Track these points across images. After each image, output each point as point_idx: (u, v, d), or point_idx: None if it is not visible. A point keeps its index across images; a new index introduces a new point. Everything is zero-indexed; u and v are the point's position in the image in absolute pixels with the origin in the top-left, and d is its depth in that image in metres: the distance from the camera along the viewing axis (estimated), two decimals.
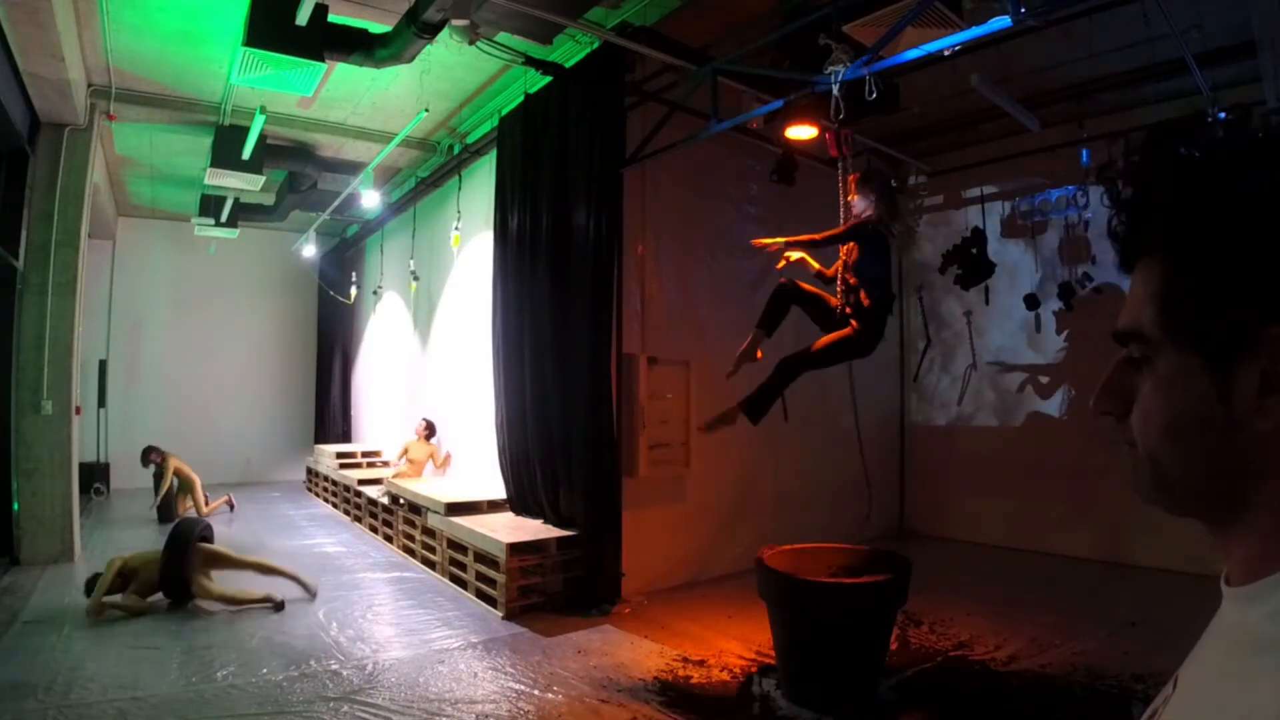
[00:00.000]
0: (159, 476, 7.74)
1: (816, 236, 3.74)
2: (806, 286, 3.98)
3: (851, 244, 3.74)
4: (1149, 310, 0.52)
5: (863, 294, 3.69)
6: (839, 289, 3.82)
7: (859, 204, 3.75)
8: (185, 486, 7.80)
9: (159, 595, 4.67)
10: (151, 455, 7.80)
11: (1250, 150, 0.50)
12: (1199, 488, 0.52)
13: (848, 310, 3.74)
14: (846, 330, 3.71)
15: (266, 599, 4.70)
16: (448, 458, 7.46)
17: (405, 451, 7.63)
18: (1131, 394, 0.55)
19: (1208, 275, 0.49)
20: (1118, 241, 0.57)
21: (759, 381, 3.90)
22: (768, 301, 3.98)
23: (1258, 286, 0.47)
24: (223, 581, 4.80)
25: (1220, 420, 0.48)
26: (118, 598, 4.48)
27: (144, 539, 6.53)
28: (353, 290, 10.15)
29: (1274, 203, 0.47)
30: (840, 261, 3.83)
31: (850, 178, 3.84)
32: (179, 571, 4.63)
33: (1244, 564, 0.50)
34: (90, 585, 4.50)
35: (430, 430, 7.53)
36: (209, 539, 5.04)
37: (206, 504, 7.89)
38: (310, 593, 5.00)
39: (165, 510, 7.62)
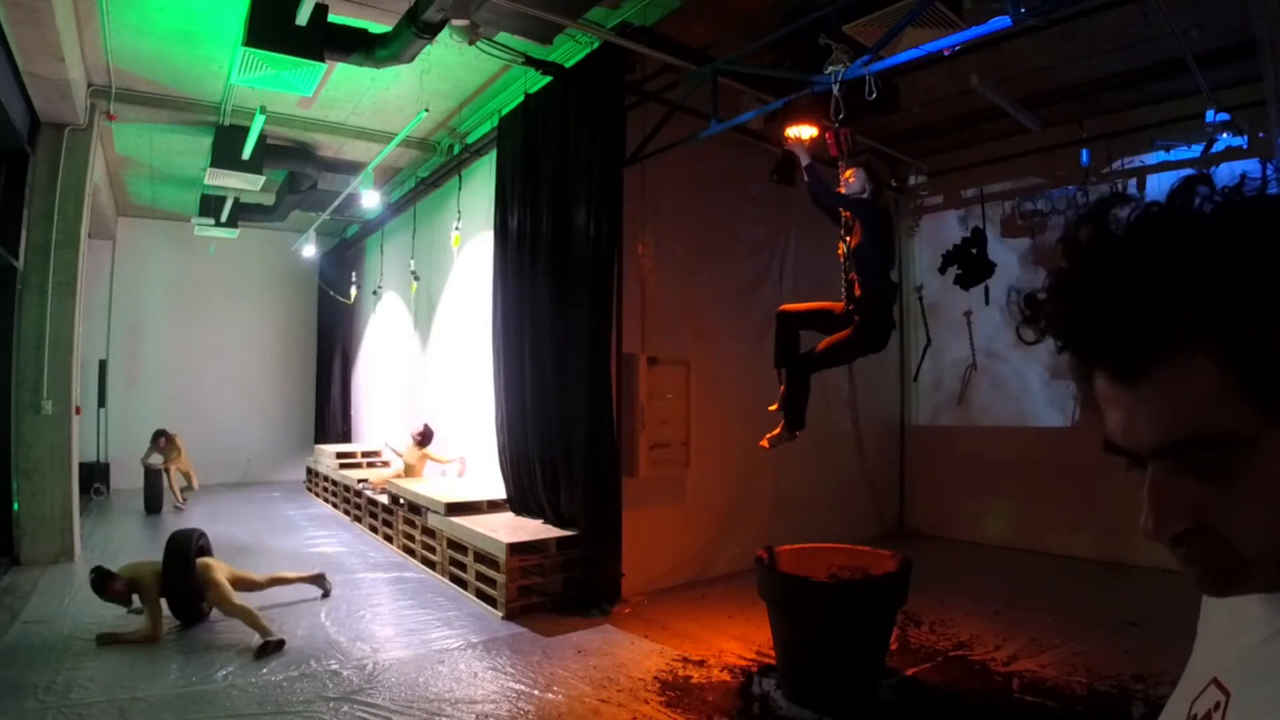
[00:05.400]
0: (163, 457, 8.15)
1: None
2: (802, 306, 3.96)
3: (853, 231, 3.67)
4: (1229, 405, 0.47)
5: (857, 285, 3.63)
6: (843, 286, 3.75)
7: (855, 185, 3.65)
8: (181, 471, 8.17)
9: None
10: (160, 439, 8.20)
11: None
12: None
13: (850, 307, 3.69)
14: (847, 331, 3.68)
15: (269, 636, 4.16)
16: (463, 462, 7.28)
17: (399, 454, 7.59)
18: (1198, 505, 0.50)
19: None
20: (1116, 345, 0.51)
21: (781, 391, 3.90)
22: (775, 338, 3.94)
23: None
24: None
25: None
26: (131, 628, 4.17)
27: (144, 539, 6.54)
28: (353, 290, 10.15)
29: None
30: (841, 252, 3.76)
31: (845, 173, 3.78)
32: (184, 589, 4.27)
33: None
34: (98, 585, 4.16)
35: (425, 438, 7.34)
36: (208, 550, 4.68)
37: (187, 485, 8.15)
38: (325, 590, 4.99)
39: (152, 499, 7.78)
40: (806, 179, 3.76)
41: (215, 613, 4.47)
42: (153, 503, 7.77)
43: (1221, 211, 0.50)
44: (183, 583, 4.27)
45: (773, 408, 3.93)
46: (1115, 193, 0.54)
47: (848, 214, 3.68)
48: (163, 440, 8.24)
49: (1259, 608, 0.53)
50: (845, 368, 4.10)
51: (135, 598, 4.23)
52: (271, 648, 3.98)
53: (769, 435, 3.92)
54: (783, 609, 3.51)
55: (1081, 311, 0.52)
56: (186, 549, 4.36)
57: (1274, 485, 0.48)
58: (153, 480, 8.01)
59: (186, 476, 8.41)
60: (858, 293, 3.62)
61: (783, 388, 3.89)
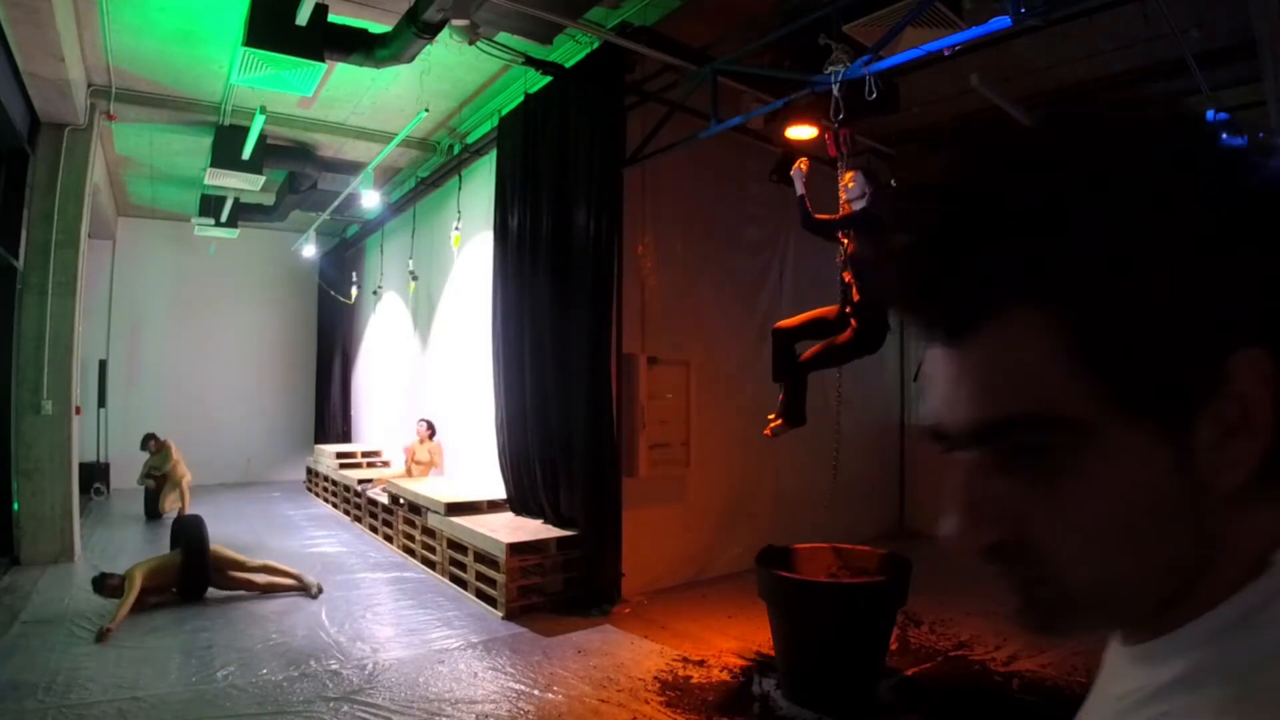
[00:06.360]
0: (156, 464, 7.82)
1: (821, 216, 3.68)
2: (795, 320, 3.96)
3: (851, 236, 3.68)
4: (1064, 382, 0.37)
5: (854, 289, 3.64)
6: (840, 290, 3.77)
7: (854, 189, 3.65)
8: (174, 481, 7.81)
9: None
10: (150, 443, 7.89)
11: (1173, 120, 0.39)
12: (1157, 590, 0.39)
13: (847, 310, 3.69)
14: (845, 334, 3.68)
15: (298, 581, 4.94)
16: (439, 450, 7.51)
17: (412, 455, 7.59)
18: (1017, 513, 0.39)
19: (1166, 306, 0.36)
20: (936, 298, 0.41)
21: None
22: (772, 354, 3.94)
23: (1234, 305, 0.36)
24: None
25: (1186, 495, 0.37)
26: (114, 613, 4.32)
27: (143, 539, 6.54)
28: (353, 290, 10.15)
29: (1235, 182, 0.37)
30: (839, 257, 3.77)
31: (844, 177, 3.78)
32: (202, 573, 4.73)
33: (1144, 629, 0.41)
34: (97, 584, 4.42)
35: (431, 430, 7.53)
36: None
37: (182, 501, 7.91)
38: (312, 594, 4.99)
39: (151, 506, 7.66)
40: (798, 211, 3.75)
41: (218, 605, 4.67)
42: (153, 510, 7.70)
43: (1055, 125, 0.40)
44: (201, 566, 4.71)
45: (771, 416, 3.93)
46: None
47: (844, 237, 3.71)
48: (152, 443, 7.92)
49: (1123, 661, 0.43)
50: (836, 370, 4.10)
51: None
52: (317, 590, 4.92)
53: (771, 425, 3.94)
54: (782, 609, 3.51)
55: (908, 263, 0.42)
56: (201, 533, 4.81)
57: (1111, 495, 0.37)
58: (152, 489, 7.90)
59: (180, 494, 7.83)
60: (855, 297, 3.62)
61: (782, 396, 3.90)
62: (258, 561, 5.13)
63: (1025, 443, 0.38)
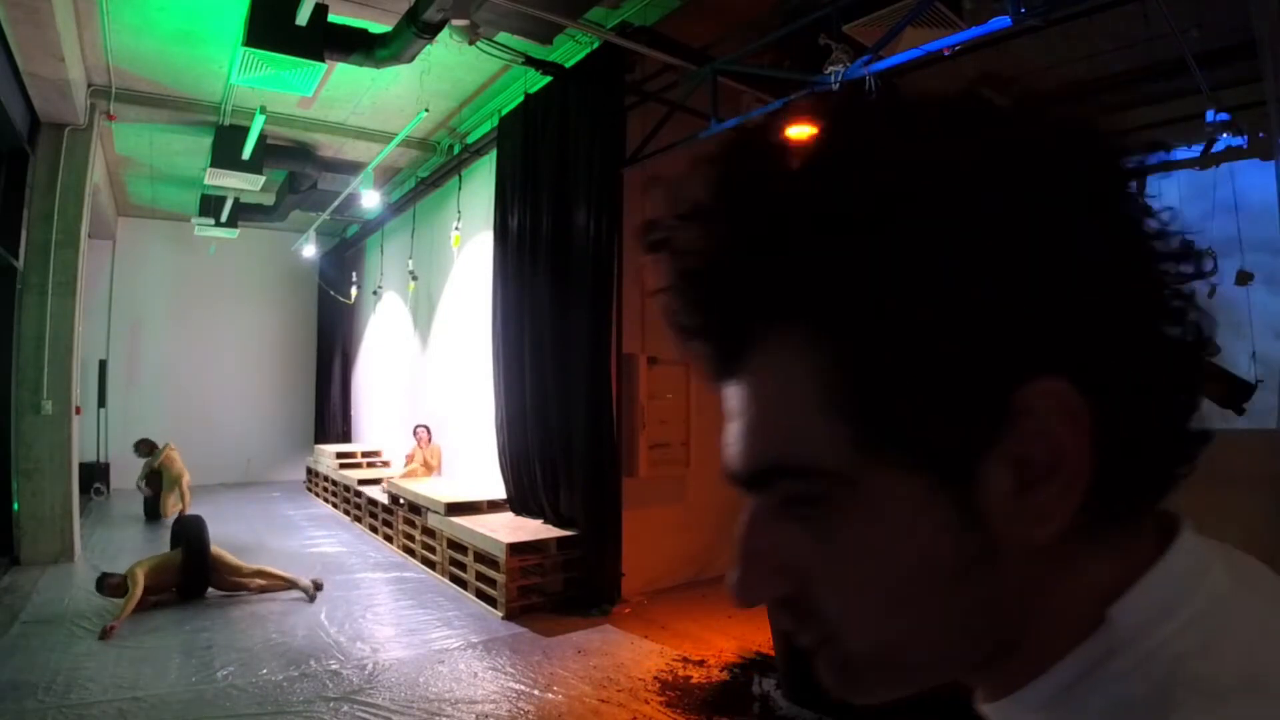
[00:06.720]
0: (150, 467, 7.78)
1: None
2: None
3: None
4: (820, 426, 0.33)
5: None
6: None
7: None
8: (173, 482, 7.77)
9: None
10: (141, 446, 7.86)
11: (951, 118, 0.34)
12: (963, 654, 0.35)
13: None
14: None
15: (294, 583, 4.90)
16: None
17: (413, 459, 7.59)
18: (794, 560, 0.35)
19: (929, 340, 0.31)
20: (698, 330, 0.37)
21: None
22: None
23: (1010, 335, 0.30)
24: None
25: (976, 552, 0.32)
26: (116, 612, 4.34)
27: (143, 539, 6.54)
28: (353, 290, 10.15)
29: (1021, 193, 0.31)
30: None
31: None
32: (202, 574, 4.73)
33: (993, 687, 0.37)
34: (99, 583, 4.45)
35: (430, 433, 7.58)
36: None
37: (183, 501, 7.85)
38: (310, 596, 4.97)
39: (152, 507, 7.65)
40: None
41: (218, 605, 4.66)
42: (153, 511, 7.69)
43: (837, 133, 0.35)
44: (201, 567, 4.73)
45: None
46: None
47: None
48: (143, 447, 7.84)
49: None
50: None
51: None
52: (316, 587, 4.91)
53: None
54: None
55: (683, 275, 0.37)
56: (202, 534, 4.81)
57: (884, 553, 0.33)
58: (152, 489, 7.87)
59: (180, 495, 7.78)
60: None
61: None
62: (253, 567, 5.09)
63: (794, 492, 0.35)
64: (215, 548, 4.92)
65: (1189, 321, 0.34)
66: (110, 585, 4.39)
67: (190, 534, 4.84)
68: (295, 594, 4.95)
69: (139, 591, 4.35)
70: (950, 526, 0.32)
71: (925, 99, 0.36)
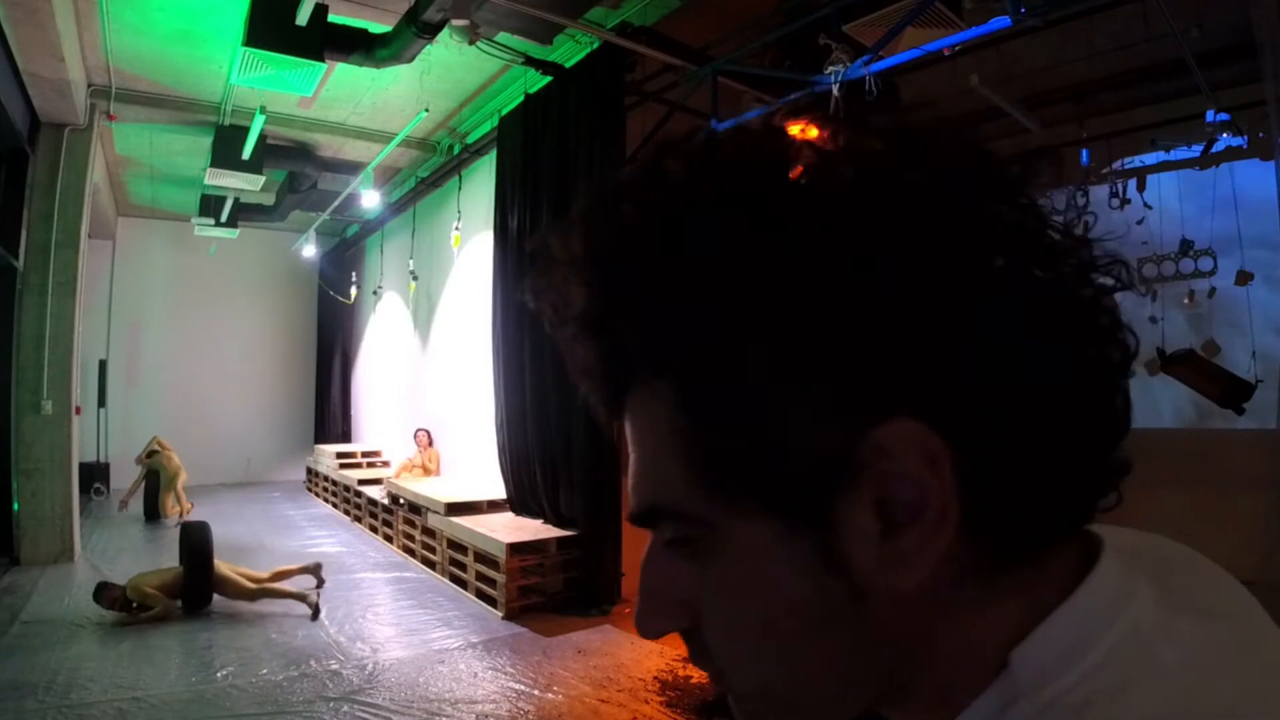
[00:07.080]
0: (150, 469, 7.73)
1: None
2: None
3: None
4: (677, 471, 0.33)
5: None
6: None
7: None
8: (170, 481, 7.73)
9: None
10: (140, 454, 7.82)
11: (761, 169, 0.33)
12: (845, 699, 0.34)
13: None
14: None
15: (300, 596, 4.70)
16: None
17: (411, 464, 7.56)
18: (685, 597, 0.35)
19: (758, 386, 0.31)
20: (581, 374, 0.39)
21: None
22: None
23: (851, 378, 0.30)
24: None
25: (842, 597, 0.31)
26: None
27: (143, 539, 6.54)
28: (353, 290, 10.14)
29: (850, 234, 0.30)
30: None
31: None
32: (204, 588, 4.59)
33: None
34: (97, 594, 4.33)
35: (429, 437, 7.60)
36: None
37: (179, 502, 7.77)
38: (314, 614, 4.67)
39: (150, 507, 7.64)
40: None
41: (218, 605, 4.59)
42: (152, 511, 7.69)
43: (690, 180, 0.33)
44: (203, 583, 4.57)
45: None
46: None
47: None
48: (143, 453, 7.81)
49: None
50: None
51: (134, 604, 4.31)
52: (316, 576, 4.93)
53: None
54: None
55: (553, 326, 0.39)
56: (206, 547, 4.64)
57: (748, 595, 0.33)
58: (151, 488, 7.86)
59: (177, 495, 7.74)
60: None
61: None
62: (258, 585, 4.87)
63: (672, 533, 0.35)
64: (219, 565, 4.71)
65: (1116, 339, 0.32)
66: (109, 598, 4.29)
67: (194, 548, 4.64)
68: (296, 589, 4.93)
69: (161, 604, 4.33)
70: (810, 570, 0.31)
71: (749, 152, 0.34)
